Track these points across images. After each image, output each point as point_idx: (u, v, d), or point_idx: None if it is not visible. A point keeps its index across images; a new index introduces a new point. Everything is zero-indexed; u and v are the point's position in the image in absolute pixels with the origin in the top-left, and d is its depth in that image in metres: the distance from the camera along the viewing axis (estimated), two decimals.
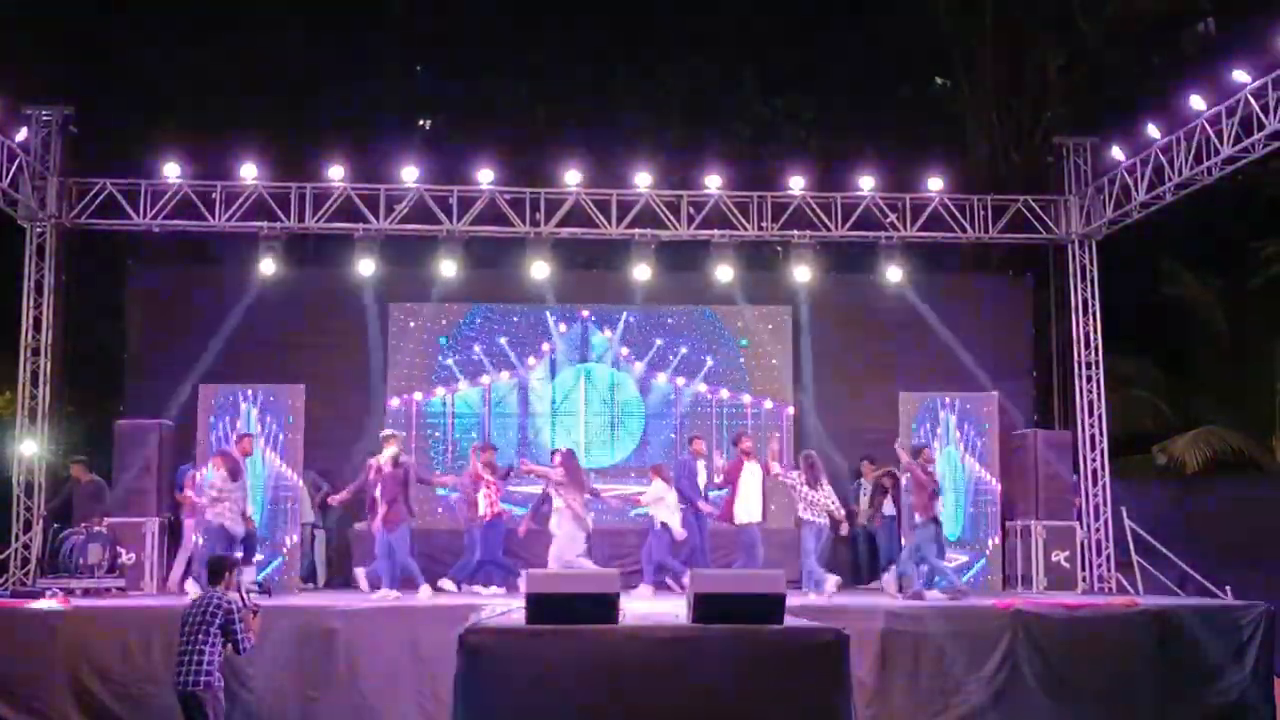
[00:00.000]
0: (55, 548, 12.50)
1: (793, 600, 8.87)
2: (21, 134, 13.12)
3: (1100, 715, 10.74)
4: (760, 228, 14.43)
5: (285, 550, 12.63)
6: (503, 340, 15.48)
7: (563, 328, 15.58)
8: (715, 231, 14.45)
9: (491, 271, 15.42)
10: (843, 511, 12.68)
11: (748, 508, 12.42)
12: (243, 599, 8.43)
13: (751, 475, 12.46)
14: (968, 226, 14.59)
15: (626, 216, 14.27)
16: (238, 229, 14.07)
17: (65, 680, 10.27)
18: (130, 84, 18.43)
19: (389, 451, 12.11)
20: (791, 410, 15.46)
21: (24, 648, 10.37)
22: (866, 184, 14.46)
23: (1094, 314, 14.54)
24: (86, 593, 11.76)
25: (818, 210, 14.45)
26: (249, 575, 12.20)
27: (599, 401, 15.45)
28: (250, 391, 12.87)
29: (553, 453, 13.34)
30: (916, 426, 13.26)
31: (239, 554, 11.44)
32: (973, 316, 15.32)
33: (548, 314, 15.52)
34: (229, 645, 8.27)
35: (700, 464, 13.16)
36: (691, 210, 14.40)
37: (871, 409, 14.70)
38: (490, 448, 13.27)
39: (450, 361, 15.40)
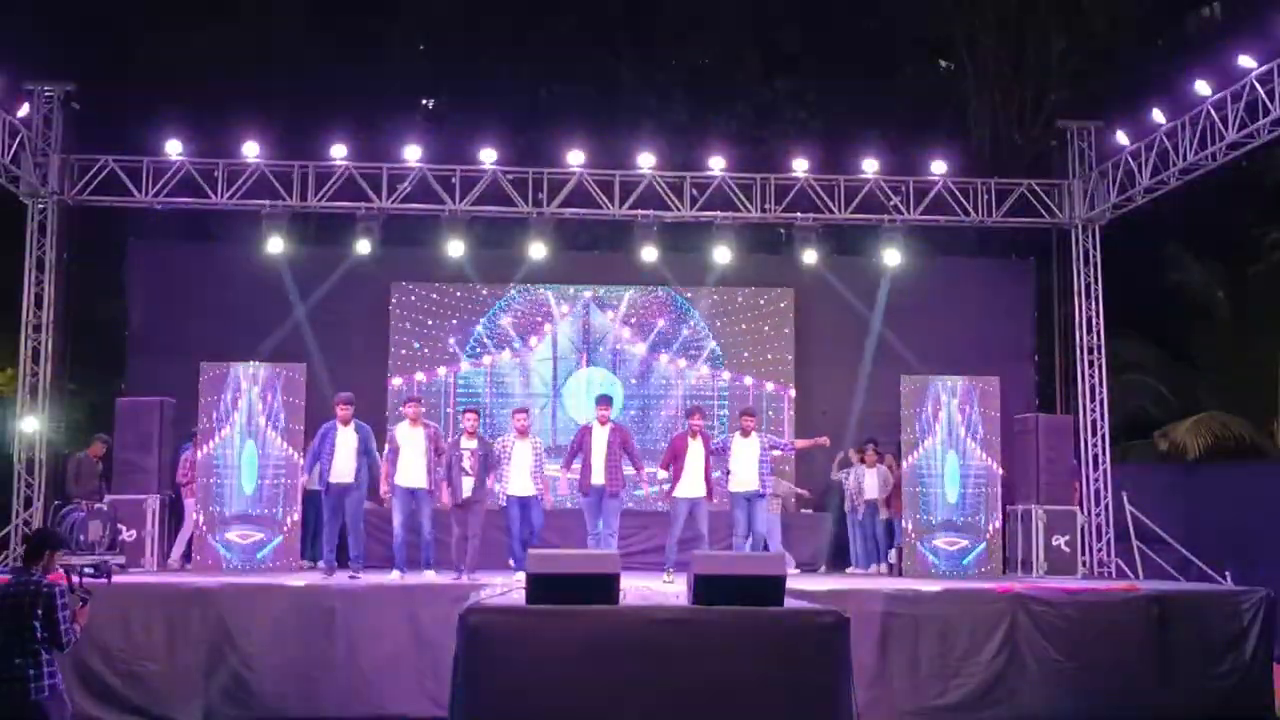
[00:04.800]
0: (56, 524, 12.52)
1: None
2: (23, 110, 13.12)
3: (1099, 699, 10.74)
4: (763, 209, 14.41)
5: (285, 530, 12.62)
6: (504, 320, 15.49)
7: (564, 308, 15.57)
8: (718, 213, 14.43)
9: (494, 251, 15.42)
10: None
11: (687, 484, 12.15)
12: (71, 582, 6.86)
13: (695, 452, 12.16)
14: (971, 210, 14.57)
15: (629, 197, 14.25)
16: (240, 207, 14.07)
17: (66, 656, 10.25)
18: (133, 61, 18.38)
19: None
20: (793, 392, 15.47)
21: None
22: (870, 167, 14.43)
23: (1097, 298, 14.53)
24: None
25: (821, 193, 14.42)
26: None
27: (600, 382, 15.45)
28: (251, 369, 12.86)
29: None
30: (918, 409, 13.25)
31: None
32: (975, 300, 15.32)
33: (550, 294, 15.52)
34: (47, 636, 6.56)
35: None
36: (694, 192, 14.39)
37: (873, 392, 14.71)
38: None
39: (452, 341, 15.40)
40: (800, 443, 13.30)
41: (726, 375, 15.54)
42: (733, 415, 15.17)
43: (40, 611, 6.53)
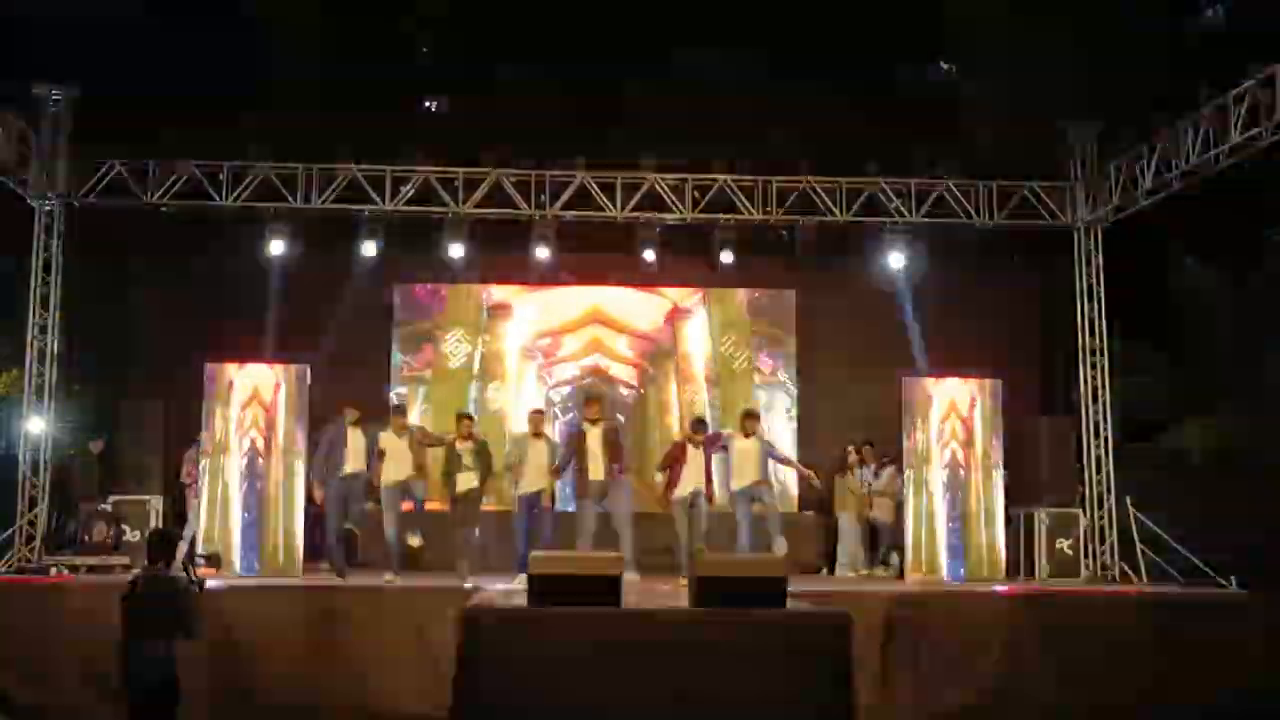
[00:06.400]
0: (60, 525, 12.57)
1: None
2: (31, 113, 13.18)
3: (1103, 703, 10.73)
4: (765, 212, 14.43)
5: (287, 531, 12.62)
6: (507, 322, 15.50)
7: (569, 308, 15.59)
8: (720, 215, 14.46)
9: (497, 253, 15.42)
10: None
11: (686, 486, 12.11)
12: (189, 575, 7.68)
13: (694, 459, 12.14)
14: (973, 212, 14.58)
15: (631, 200, 14.29)
16: (244, 209, 14.11)
17: (71, 655, 10.31)
18: (138, 64, 18.40)
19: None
20: (795, 394, 15.48)
21: (30, 622, 10.42)
22: (872, 169, 14.44)
23: (1099, 301, 14.53)
24: (91, 570, 11.81)
25: (822, 195, 14.44)
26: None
27: (605, 383, 15.47)
28: (255, 370, 12.87)
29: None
30: (919, 411, 13.24)
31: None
32: (977, 302, 15.30)
33: (553, 294, 15.53)
34: (175, 626, 7.37)
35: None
36: (696, 194, 14.40)
37: (875, 394, 14.70)
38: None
39: (454, 343, 15.42)
40: (797, 467, 13.18)
41: (745, 358, 15.55)
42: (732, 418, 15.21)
43: (169, 605, 7.31)
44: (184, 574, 7.65)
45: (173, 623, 7.32)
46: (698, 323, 15.78)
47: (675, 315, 15.75)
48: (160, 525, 12.60)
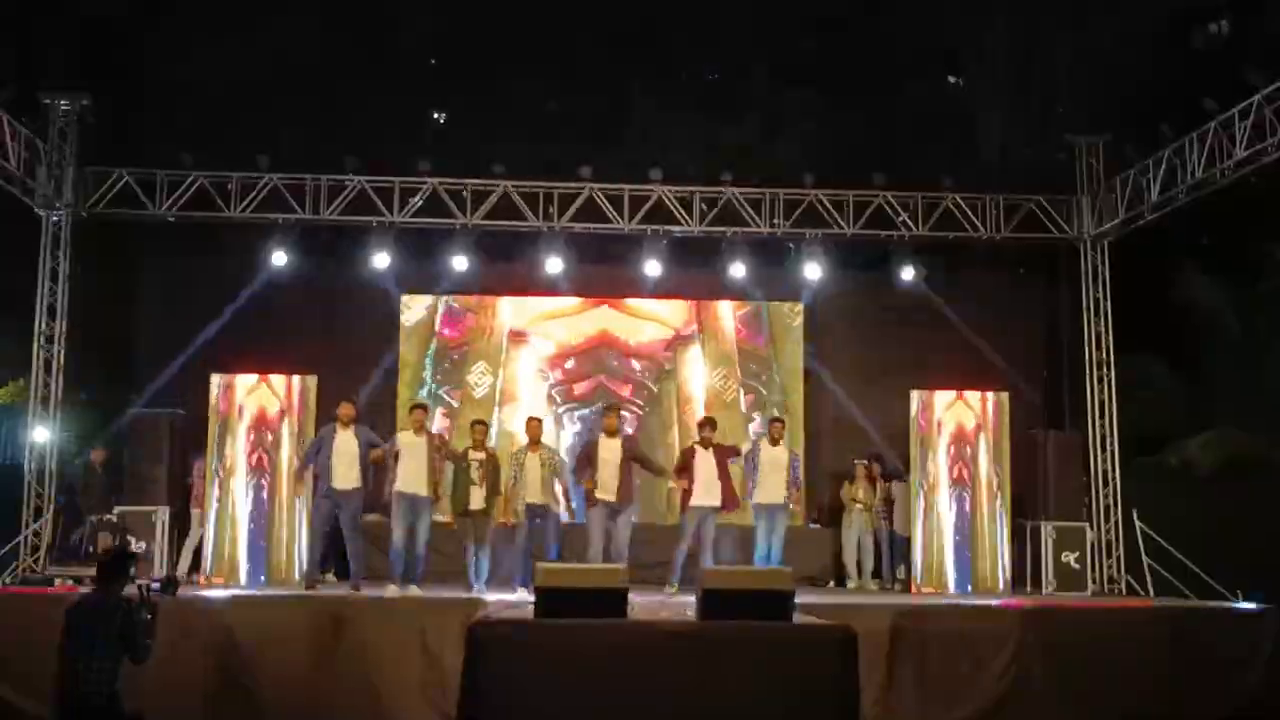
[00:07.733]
0: (65, 535, 12.57)
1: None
2: (39, 123, 13.23)
3: (1108, 717, 10.70)
4: (772, 225, 14.46)
5: (294, 541, 12.62)
6: (515, 330, 15.51)
7: (575, 318, 15.59)
8: (727, 228, 14.48)
9: (504, 264, 15.46)
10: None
11: (699, 495, 12.05)
12: (143, 596, 7.25)
13: (705, 462, 12.09)
14: (979, 225, 14.59)
15: (639, 212, 14.32)
16: (253, 220, 14.15)
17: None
18: (147, 75, 18.47)
19: None
20: (801, 406, 15.47)
21: (32, 632, 10.40)
22: (878, 181, 14.46)
23: (1106, 314, 14.55)
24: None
25: (830, 208, 14.47)
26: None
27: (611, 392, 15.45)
28: (262, 381, 12.88)
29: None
30: (926, 424, 13.22)
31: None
32: (984, 315, 15.30)
33: (559, 304, 15.54)
34: (125, 649, 7.01)
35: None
36: (704, 206, 14.43)
37: (882, 407, 14.70)
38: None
39: (463, 351, 15.44)
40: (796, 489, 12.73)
41: (734, 389, 15.54)
42: (735, 429, 15.21)
43: (121, 626, 6.94)
44: (137, 594, 7.24)
45: (118, 643, 6.95)
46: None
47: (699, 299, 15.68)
48: (163, 535, 12.63)
